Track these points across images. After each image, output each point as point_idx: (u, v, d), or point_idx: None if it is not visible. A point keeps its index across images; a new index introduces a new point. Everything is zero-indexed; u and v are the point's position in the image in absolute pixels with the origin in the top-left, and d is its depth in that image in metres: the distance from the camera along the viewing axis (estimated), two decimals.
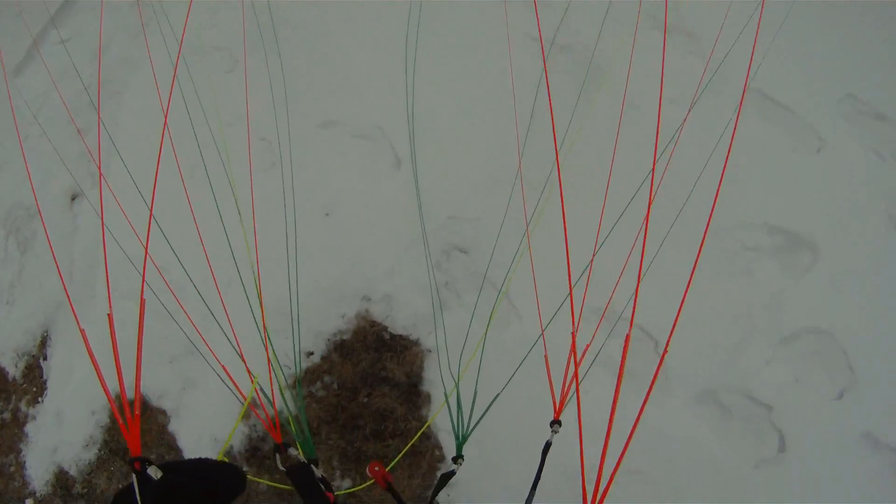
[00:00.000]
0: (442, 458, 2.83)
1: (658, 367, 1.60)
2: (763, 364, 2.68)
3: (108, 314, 1.47)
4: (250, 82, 3.34)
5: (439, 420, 2.85)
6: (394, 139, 3.23)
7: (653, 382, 1.66)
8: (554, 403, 1.82)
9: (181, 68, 3.39)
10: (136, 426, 1.22)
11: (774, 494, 2.54)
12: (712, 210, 2.14)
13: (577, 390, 1.66)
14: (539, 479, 1.68)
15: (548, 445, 1.77)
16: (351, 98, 3.37)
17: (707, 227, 2.12)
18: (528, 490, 1.68)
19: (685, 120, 2.79)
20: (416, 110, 3.22)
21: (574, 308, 2.07)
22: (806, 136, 2.97)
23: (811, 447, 2.57)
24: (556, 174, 2.83)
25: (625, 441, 1.43)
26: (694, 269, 1.91)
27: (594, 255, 2.49)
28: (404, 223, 3.04)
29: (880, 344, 2.66)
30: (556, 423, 1.80)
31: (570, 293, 1.90)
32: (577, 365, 1.76)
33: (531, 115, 3.03)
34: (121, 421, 1.22)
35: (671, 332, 1.71)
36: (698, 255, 1.98)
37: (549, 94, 2.28)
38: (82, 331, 1.47)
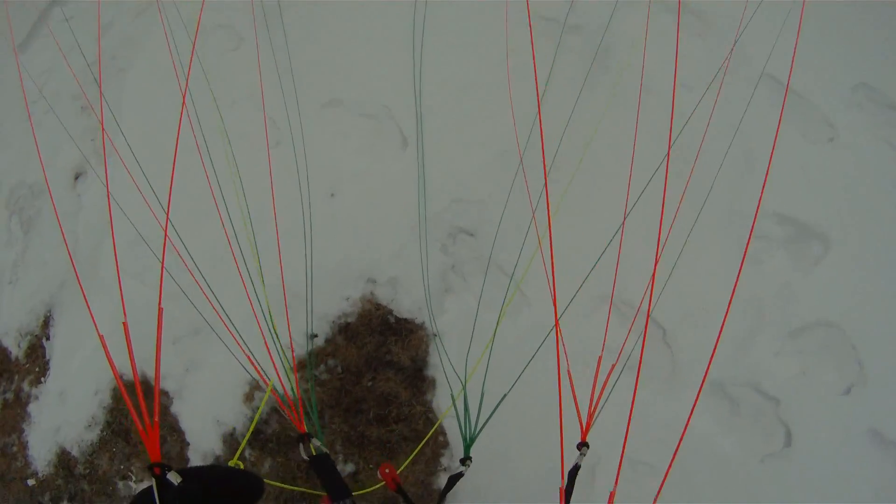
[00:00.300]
0: (446, 445, 2.82)
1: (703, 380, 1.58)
2: (771, 356, 2.64)
3: (124, 323, 1.46)
4: (255, 61, 3.31)
5: (443, 404, 2.83)
6: (400, 119, 3.19)
7: (695, 403, 1.65)
8: (580, 423, 1.76)
9: (185, 47, 3.37)
10: (155, 432, 1.22)
11: (780, 489, 2.52)
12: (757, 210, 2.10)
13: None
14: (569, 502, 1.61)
15: (576, 469, 1.69)
16: (356, 77, 3.33)
17: (753, 228, 2.09)
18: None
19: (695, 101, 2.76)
20: (424, 90, 3.18)
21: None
22: (818, 125, 2.92)
23: (817, 442, 2.54)
24: (564, 155, 2.81)
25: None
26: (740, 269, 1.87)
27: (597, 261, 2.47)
28: (411, 204, 3.00)
29: (890, 339, 2.61)
30: (583, 444, 1.73)
31: (556, 325, 1.89)
32: (601, 391, 1.74)
33: (542, 95, 2.99)
34: (140, 426, 1.22)
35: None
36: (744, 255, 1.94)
37: (535, 71, 2.25)
38: (101, 336, 1.46)
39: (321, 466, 1.80)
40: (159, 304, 1.54)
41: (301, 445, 1.86)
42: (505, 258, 2.84)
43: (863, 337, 2.61)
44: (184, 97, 2.51)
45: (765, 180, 2.19)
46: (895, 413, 2.53)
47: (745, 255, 2.11)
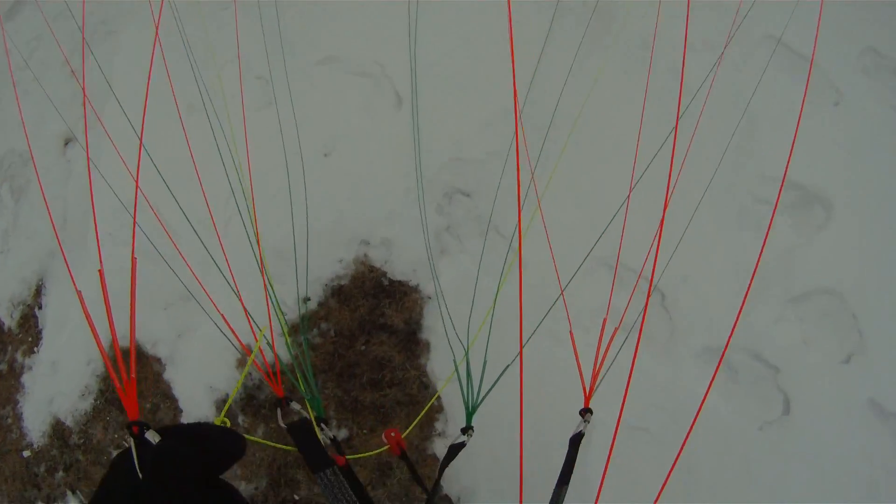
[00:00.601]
0: (441, 409, 2.85)
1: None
2: (772, 323, 2.66)
3: (99, 270, 1.46)
4: (245, 18, 3.30)
5: (437, 368, 2.85)
6: (395, 76, 3.18)
7: (712, 381, 1.66)
8: (584, 387, 1.72)
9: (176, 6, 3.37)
10: (132, 389, 1.22)
11: (777, 457, 2.55)
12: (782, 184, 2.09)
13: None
14: (571, 473, 1.57)
15: (580, 436, 1.64)
16: (350, 33, 3.30)
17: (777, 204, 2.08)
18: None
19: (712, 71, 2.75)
20: (419, 46, 3.15)
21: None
22: (823, 89, 2.91)
23: (815, 411, 2.57)
24: (562, 117, 2.81)
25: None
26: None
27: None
28: (405, 164, 3.00)
29: (891, 309, 2.63)
30: (587, 411, 1.68)
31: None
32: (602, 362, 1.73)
33: (539, 54, 2.99)
34: (118, 384, 1.23)
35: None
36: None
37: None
38: (79, 293, 1.46)
39: (298, 434, 1.74)
40: (132, 254, 1.55)
41: (279, 411, 1.84)
42: (501, 219, 2.85)
43: (864, 306, 2.64)
44: (152, 55, 2.51)
45: (791, 149, 2.19)
46: (894, 384, 2.55)
47: (771, 222, 2.13)
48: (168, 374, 3.18)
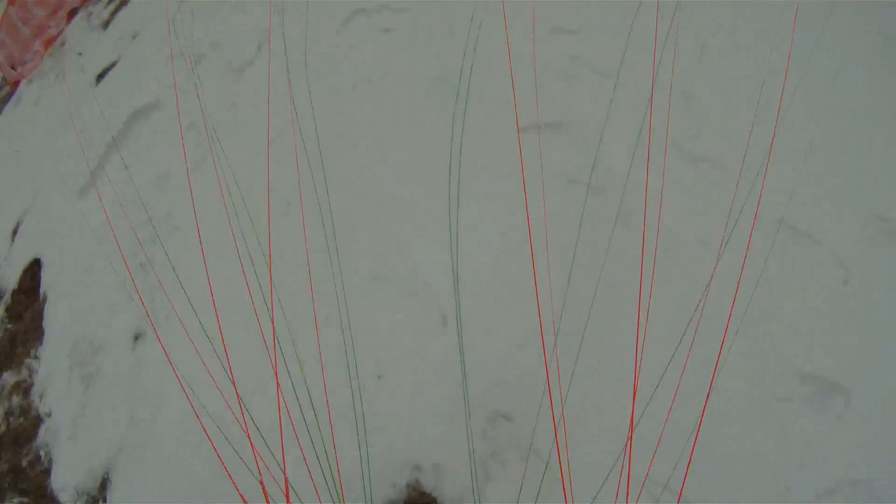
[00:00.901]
0: None
1: None
2: None
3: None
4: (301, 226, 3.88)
5: None
6: (440, 296, 3.61)
7: None
8: None
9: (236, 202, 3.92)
10: None
11: None
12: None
13: None
14: None
15: None
16: (397, 252, 3.81)
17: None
18: None
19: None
20: (462, 265, 3.61)
21: None
22: (831, 267, 3.18)
23: None
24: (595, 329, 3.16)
25: None
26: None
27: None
28: (451, 387, 3.36)
29: None
30: None
31: None
32: None
33: (572, 259, 3.40)
34: None
35: None
36: None
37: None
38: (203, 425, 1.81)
39: None
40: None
41: None
42: (541, 440, 3.15)
43: (891, 493, 2.79)
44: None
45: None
46: None
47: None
48: None
